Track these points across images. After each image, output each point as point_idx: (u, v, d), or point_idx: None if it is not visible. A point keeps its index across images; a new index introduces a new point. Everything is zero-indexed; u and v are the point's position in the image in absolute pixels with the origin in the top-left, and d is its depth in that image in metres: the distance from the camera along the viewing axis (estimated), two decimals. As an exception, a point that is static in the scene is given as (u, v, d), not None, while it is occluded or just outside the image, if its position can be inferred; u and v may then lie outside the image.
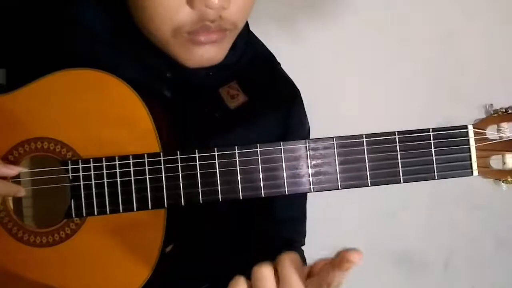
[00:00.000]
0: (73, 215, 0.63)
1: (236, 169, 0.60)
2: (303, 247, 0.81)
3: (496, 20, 1.29)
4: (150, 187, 0.61)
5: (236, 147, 0.60)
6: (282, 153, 0.60)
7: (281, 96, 0.79)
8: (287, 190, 0.60)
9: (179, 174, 0.61)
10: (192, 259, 0.72)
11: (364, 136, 0.59)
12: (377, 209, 1.30)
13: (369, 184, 0.59)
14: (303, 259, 0.72)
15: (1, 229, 0.66)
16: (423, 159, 0.59)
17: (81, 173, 0.63)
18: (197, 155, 0.61)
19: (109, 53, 0.71)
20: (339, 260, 0.47)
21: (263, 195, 0.61)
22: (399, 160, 0.59)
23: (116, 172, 0.62)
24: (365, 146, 0.59)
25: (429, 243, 1.40)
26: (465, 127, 0.59)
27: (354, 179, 0.60)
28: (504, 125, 0.59)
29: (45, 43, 0.72)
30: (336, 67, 1.28)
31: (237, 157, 0.60)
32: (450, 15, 1.28)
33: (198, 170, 0.61)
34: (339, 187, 0.60)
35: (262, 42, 0.83)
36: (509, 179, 0.59)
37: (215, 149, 0.60)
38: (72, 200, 0.63)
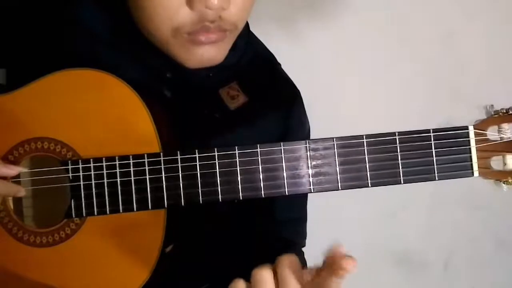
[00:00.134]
0: (73, 215, 0.63)
1: (236, 169, 0.60)
2: (303, 249, 0.81)
3: (496, 20, 1.29)
4: (150, 187, 0.61)
5: (236, 147, 0.60)
6: (282, 154, 0.60)
7: (281, 96, 0.79)
8: (287, 191, 0.60)
9: (179, 174, 0.61)
10: (192, 259, 0.72)
11: (364, 137, 0.59)
12: (377, 209, 1.30)
13: (370, 185, 0.59)
14: (303, 261, 0.72)
15: (1, 229, 0.66)
16: (423, 159, 0.59)
17: (81, 173, 0.63)
18: (197, 155, 0.61)
19: (109, 53, 0.71)
20: (334, 266, 0.47)
21: (263, 195, 0.61)
22: (400, 161, 0.59)
23: (116, 172, 0.62)
24: (365, 147, 0.59)
25: (429, 243, 1.40)
26: (466, 127, 0.59)
27: (354, 180, 0.60)
28: (505, 126, 0.59)
29: (45, 43, 0.72)
30: (336, 67, 1.28)
31: (237, 157, 0.60)
32: (450, 15, 1.28)
33: (198, 170, 0.61)
34: (339, 188, 0.60)
35: (262, 43, 0.83)
36: (509, 180, 0.59)
37: (215, 149, 0.60)
38: (72, 200, 0.63)
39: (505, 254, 1.41)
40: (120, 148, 0.63)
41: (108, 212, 0.62)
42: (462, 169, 0.59)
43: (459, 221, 1.39)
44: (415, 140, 0.59)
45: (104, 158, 0.62)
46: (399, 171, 0.59)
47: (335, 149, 0.59)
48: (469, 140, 0.59)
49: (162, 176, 0.61)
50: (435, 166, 0.59)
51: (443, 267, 1.42)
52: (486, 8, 1.28)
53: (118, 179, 0.62)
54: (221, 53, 0.67)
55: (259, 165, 0.60)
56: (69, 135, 0.64)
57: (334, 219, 1.22)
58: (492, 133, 0.59)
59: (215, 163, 0.60)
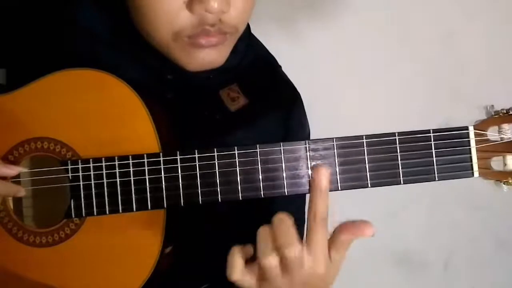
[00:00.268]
0: (73, 215, 0.63)
1: (236, 169, 0.60)
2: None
3: (496, 20, 1.29)
4: (149, 188, 0.61)
5: (235, 148, 0.60)
6: (282, 154, 0.60)
7: (282, 99, 0.79)
8: (287, 191, 0.60)
9: (178, 175, 0.61)
10: (192, 259, 0.72)
11: (364, 137, 0.59)
12: (377, 209, 1.30)
13: (369, 185, 0.59)
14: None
15: (1, 229, 0.66)
16: (423, 160, 0.59)
17: (80, 173, 0.63)
18: (196, 155, 0.61)
19: (109, 53, 0.71)
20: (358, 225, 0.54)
21: (262, 195, 0.61)
22: (399, 161, 0.59)
23: (115, 172, 0.62)
24: (365, 147, 0.59)
25: (429, 243, 1.40)
26: (466, 128, 0.59)
27: (354, 180, 0.59)
28: (505, 126, 0.59)
29: (45, 43, 0.72)
30: (336, 67, 1.28)
31: (236, 158, 0.60)
32: (450, 15, 1.28)
33: (197, 170, 0.61)
34: (339, 188, 0.60)
35: (263, 45, 0.83)
36: (509, 181, 0.59)
37: (215, 149, 0.60)
38: (72, 200, 0.63)
39: (505, 254, 1.41)
40: (120, 148, 0.63)
41: (107, 212, 0.62)
42: (462, 170, 0.59)
43: (459, 221, 1.39)
44: (415, 141, 0.59)
45: (103, 158, 0.62)
46: (399, 172, 0.59)
47: (335, 150, 0.59)
48: (469, 141, 0.59)
49: (161, 176, 0.61)
50: (435, 167, 0.59)
51: (443, 267, 1.42)
52: (486, 8, 1.29)
53: (118, 179, 0.62)
54: (222, 56, 0.67)
55: (258, 165, 0.60)
56: (69, 135, 0.64)
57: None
58: (492, 134, 0.59)
59: (215, 163, 0.60)
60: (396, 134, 0.59)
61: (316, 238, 0.55)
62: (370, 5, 1.26)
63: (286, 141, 0.68)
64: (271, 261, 0.54)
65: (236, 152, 0.60)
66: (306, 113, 0.82)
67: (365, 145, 0.59)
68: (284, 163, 0.60)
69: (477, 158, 0.59)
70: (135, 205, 0.62)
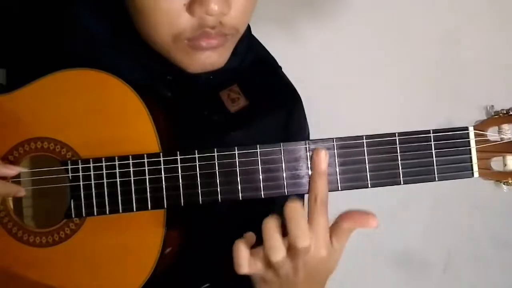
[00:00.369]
0: (73, 215, 0.63)
1: (236, 169, 0.60)
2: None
3: (497, 20, 1.29)
4: (149, 188, 0.61)
5: (236, 148, 0.60)
6: (282, 154, 0.60)
7: (282, 100, 0.79)
8: (287, 191, 0.60)
9: (178, 175, 0.61)
10: (192, 259, 0.72)
11: (364, 137, 0.59)
12: (377, 209, 1.30)
13: (369, 186, 0.59)
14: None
15: (1, 229, 0.66)
16: (423, 160, 0.59)
17: (80, 173, 0.63)
18: (196, 155, 0.61)
19: (109, 53, 0.71)
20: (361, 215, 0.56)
21: (263, 196, 0.61)
22: (399, 162, 0.59)
23: (115, 172, 0.62)
24: (365, 147, 0.59)
25: (429, 243, 1.40)
26: (466, 128, 0.59)
27: (354, 180, 0.59)
28: (505, 126, 0.58)
29: (45, 43, 0.72)
30: (336, 67, 1.28)
31: (237, 158, 0.60)
32: (450, 15, 1.28)
33: (197, 170, 0.61)
34: (339, 188, 0.60)
35: (263, 46, 0.83)
36: (509, 181, 0.59)
37: (215, 149, 0.60)
38: (72, 200, 0.63)
39: (505, 254, 1.41)
40: (120, 148, 0.63)
41: (107, 212, 0.62)
42: (462, 170, 0.59)
43: (459, 221, 1.39)
44: (415, 141, 0.59)
45: (103, 158, 0.62)
46: (399, 172, 0.59)
47: (335, 150, 0.59)
48: (469, 141, 0.59)
49: (161, 177, 0.61)
50: (435, 167, 0.59)
51: (443, 267, 1.42)
52: (486, 8, 1.29)
53: (118, 179, 0.62)
54: (223, 57, 0.66)
55: (259, 165, 0.60)
56: (69, 135, 0.64)
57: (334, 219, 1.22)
58: (492, 134, 0.59)
59: (215, 163, 0.60)
60: (396, 134, 0.59)
61: (318, 220, 0.56)
62: (370, 5, 1.26)
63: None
64: (281, 255, 0.55)
65: (236, 152, 0.60)
66: (306, 113, 0.82)
67: (365, 145, 0.59)
68: (284, 163, 0.60)
69: (477, 159, 0.59)
70: (135, 205, 0.62)
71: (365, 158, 0.59)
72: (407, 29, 1.29)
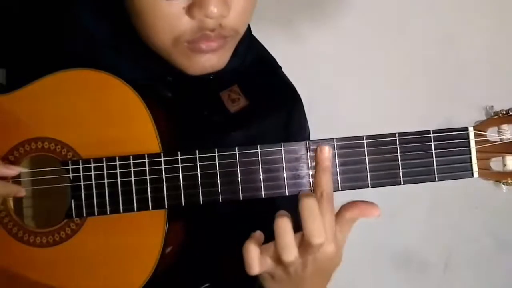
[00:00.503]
0: (74, 215, 0.63)
1: (237, 169, 0.60)
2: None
3: (496, 20, 1.29)
4: (150, 188, 0.61)
5: (236, 148, 0.60)
6: (283, 154, 0.60)
7: (282, 100, 0.79)
8: (288, 191, 0.60)
9: (179, 175, 0.61)
10: (193, 259, 0.72)
11: (364, 137, 0.59)
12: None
13: (370, 186, 0.59)
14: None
15: (1, 229, 0.66)
16: (423, 160, 0.59)
17: (81, 173, 0.63)
18: (197, 155, 0.61)
19: (109, 53, 0.71)
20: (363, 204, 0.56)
21: (263, 196, 0.61)
22: (400, 162, 0.59)
23: (116, 172, 0.62)
24: (365, 148, 0.59)
25: (429, 243, 1.40)
26: (466, 129, 0.59)
27: (354, 181, 0.60)
28: (505, 127, 0.59)
29: (45, 43, 0.72)
30: (336, 67, 1.29)
31: (237, 158, 0.60)
32: (450, 15, 1.28)
33: (198, 171, 0.61)
34: (339, 188, 0.60)
35: (263, 46, 0.82)
36: (509, 181, 0.59)
37: (216, 150, 0.60)
38: (73, 200, 0.63)
39: (505, 254, 1.41)
40: (121, 148, 0.63)
41: (108, 212, 0.62)
42: (462, 170, 0.59)
43: (459, 221, 1.39)
44: (415, 141, 0.59)
45: (104, 158, 0.62)
46: (399, 172, 0.59)
47: (335, 150, 0.59)
48: (469, 141, 0.59)
49: (162, 177, 0.61)
50: (435, 167, 0.59)
51: (443, 267, 1.42)
52: (486, 8, 1.29)
53: (119, 179, 0.62)
54: (223, 59, 0.66)
55: (259, 165, 0.60)
56: (70, 135, 0.64)
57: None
58: (492, 134, 0.59)
59: (216, 163, 0.60)
60: (397, 135, 0.59)
61: (324, 216, 0.55)
62: (370, 6, 1.26)
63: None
64: (294, 255, 0.55)
65: (237, 152, 0.60)
66: (306, 113, 0.82)
67: (365, 145, 0.59)
68: (285, 163, 0.60)
69: (477, 159, 0.59)
70: (136, 205, 0.62)
71: (365, 158, 0.59)
72: (407, 29, 1.29)
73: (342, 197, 0.64)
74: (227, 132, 0.73)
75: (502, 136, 0.59)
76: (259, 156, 0.60)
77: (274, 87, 0.80)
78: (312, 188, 0.60)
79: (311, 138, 0.83)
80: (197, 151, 0.61)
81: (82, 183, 0.63)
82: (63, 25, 0.72)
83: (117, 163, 0.62)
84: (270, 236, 0.57)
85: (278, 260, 0.57)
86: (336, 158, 0.59)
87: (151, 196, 0.61)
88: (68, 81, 0.65)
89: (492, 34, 1.29)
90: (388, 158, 0.59)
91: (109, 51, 0.71)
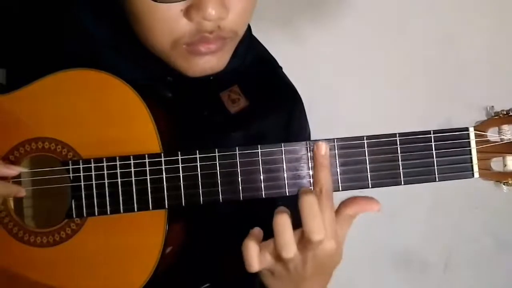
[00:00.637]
0: (74, 215, 0.63)
1: (237, 169, 0.60)
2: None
3: (496, 20, 1.29)
4: (150, 188, 0.61)
5: (237, 148, 0.60)
6: (283, 154, 0.60)
7: (282, 101, 0.79)
8: (288, 191, 0.60)
9: (179, 175, 0.61)
10: (193, 259, 0.72)
11: (365, 138, 0.59)
12: (377, 209, 1.30)
13: (370, 186, 0.59)
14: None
15: (1, 229, 0.66)
16: (424, 161, 0.59)
17: (81, 174, 0.63)
18: (198, 156, 0.61)
19: (109, 53, 0.71)
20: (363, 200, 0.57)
21: (263, 196, 0.61)
22: (400, 162, 0.59)
23: (117, 172, 0.62)
24: (366, 148, 0.59)
25: (429, 243, 1.40)
26: (466, 129, 0.59)
27: (355, 181, 0.60)
28: (505, 127, 0.58)
29: (45, 43, 0.72)
30: (336, 67, 1.29)
31: (238, 158, 0.60)
32: (450, 15, 1.28)
33: (199, 171, 0.61)
34: (340, 189, 0.60)
35: (264, 46, 0.82)
36: (509, 181, 0.59)
37: (216, 150, 0.60)
38: (73, 200, 0.63)
39: (505, 254, 1.41)
40: (121, 148, 0.63)
41: (109, 213, 0.62)
42: (462, 170, 0.59)
43: (459, 221, 1.39)
44: (415, 141, 0.59)
45: (104, 159, 0.62)
46: (400, 172, 0.59)
47: (336, 150, 0.59)
48: (469, 142, 0.59)
49: (163, 177, 0.61)
50: (436, 167, 0.59)
51: (443, 267, 1.42)
52: (486, 8, 1.29)
53: (119, 180, 0.62)
54: (222, 61, 0.66)
55: (259, 165, 0.60)
56: (70, 135, 0.64)
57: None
58: (492, 134, 0.59)
59: (216, 163, 0.60)
60: (397, 135, 0.59)
61: (324, 212, 0.56)
62: (370, 6, 1.26)
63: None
64: (293, 251, 0.55)
65: (237, 152, 0.60)
66: (306, 113, 0.82)
67: (366, 145, 0.59)
68: (285, 163, 0.60)
69: (477, 159, 0.59)
70: (136, 205, 0.62)
71: (365, 159, 0.59)
72: (407, 29, 1.29)
73: (343, 197, 0.64)
74: (227, 133, 0.73)
75: (502, 137, 0.59)
76: (260, 156, 0.60)
77: (274, 87, 0.80)
78: (312, 188, 0.60)
79: (312, 138, 0.83)
80: (197, 151, 0.61)
81: (82, 183, 0.63)
82: (63, 25, 0.72)
83: (118, 163, 0.62)
84: (270, 236, 0.57)
85: (277, 256, 0.57)
86: (337, 158, 0.59)
87: (151, 196, 0.61)
88: (68, 81, 0.65)
89: (492, 34, 1.29)
90: (388, 158, 0.59)
91: (109, 51, 0.71)
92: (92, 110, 0.64)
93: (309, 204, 0.55)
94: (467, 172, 0.59)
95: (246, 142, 0.72)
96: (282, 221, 0.55)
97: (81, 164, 0.63)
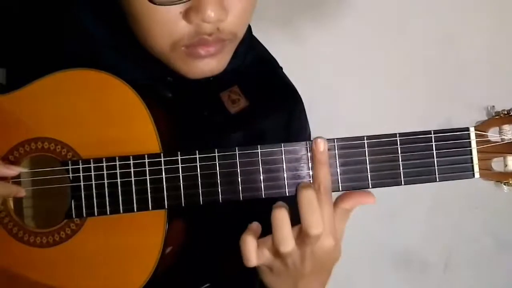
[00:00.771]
0: (74, 216, 0.63)
1: (237, 170, 0.60)
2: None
3: (497, 20, 1.29)
4: (150, 188, 0.61)
5: (236, 148, 0.60)
6: (283, 154, 0.60)
7: (282, 101, 0.79)
8: (288, 191, 0.60)
9: (179, 175, 0.61)
10: (193, 259, 0.72)
11: (365, 138, 0.59)
12: (377, 209, 1.30)
13: (370, 186, 0.59)
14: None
15: (1, 230, 0.66)
16: (424, 161, 0.59)
17: (81, 174, 0.63)
18: (197, 156, 0.61)
19: (109, 53, 0.71)
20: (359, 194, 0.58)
21: (263, 196, 0.60)
22: (400, 162, 0.59)
23: (116, 172, 0.62)
24: (366, 148, 0.59)
25: (429, 243, 1.40)
26: (467, 129, 0.59)
27: (355, 181, 0.59)
28: (506, 127, 0.58)
29: (45, 43, 0.72)
30: (336, 67, 1.29)
31: (237, 158, 0.60)
32: (450, 15, 1.28)
33: (198, 171, 0.61)
34: (340, 189, 0.60)
35: (264, 46, 0.82)
36: (510, 181, 0.59)
37: (216, 150, 0.60)
38: (73, 201, 0.63)
39: (505, 254, 1.42)
40: (121, 148, 0.63)
41: (108, 213, 0.62)
42: (463, 171, 0.59)
43: (459, 221, 1.39)
44: (416, 141, 0.59)
45: (104, 159, 0.62)
46: (400, 172, 0.59)
47: (336, 150, 0.59)
48: (470, 142, 0.59)
49: (162, 177, 0.61)
50: (436, 167, 0.59)
51: (443, 267, 1.42)
52: (487, 8, 1.29)
53: (119, 180, 0.62)
54: (222, 63, 0.66)
55: (259, 166, 0.60)
56: (70, 135, 0.64)
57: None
58: (493, 134, 0.59)
59: (216, 163, 0.60)
60: (397, 135, 0.59)
61: (323, 208, 0.56)
62: (370, 6, 1.26)
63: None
64: (291, 246, 0.56)
65: (237, 152, 0.60)
66: (307, 113, 0.82)
67: (366, 146, 0.59)
68: (285, 163, 0.60)
69: (478, 159, 0.59)
70: (136, 206, 0.61)
71: (366, 159, 0.59)
72: (407, 29, 1.29)
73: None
74: (227, 133, 0.72)
75: (503, 137, 0.59)
76: (259, 156, 0.60)
77: (274, 87, 0.80)
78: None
79: (312, 138, 0.83)
80: (197, 151, 0.60)
81: (82, 183, 0.62)
82: (63, 25, 0.72)
83: (117, 163, 0.62)
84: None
85: (276, 252, 0.57)
86: (337, 158, 0.59)
87: (151, 196, 0.61)
88: (68, 81, 0.65)
89: (492, 34, 1.29)
90: (389, 158, 0.59)
91: (109, 51, 0.71)
92: (92, 110, 0.64)
93: (307, 199, 0.55)
94: (467, 172, 0.59)
95: (246, 142, 0.72)
96: (280, 215, 0.56)
97: (80, 164, 0.63)
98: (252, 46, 0.78)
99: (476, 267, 1.42)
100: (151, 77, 0.71)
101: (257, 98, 0.75)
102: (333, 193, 0.60)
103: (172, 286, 0.71)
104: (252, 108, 0.74)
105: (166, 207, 0.61)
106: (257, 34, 0.82)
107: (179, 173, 0.61)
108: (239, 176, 0.60)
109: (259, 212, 0.73)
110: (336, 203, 0.58)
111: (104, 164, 0.62)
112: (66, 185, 0.63)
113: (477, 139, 0.59)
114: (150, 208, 0.61)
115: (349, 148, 0.59)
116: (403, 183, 0.59)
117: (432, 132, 0.59)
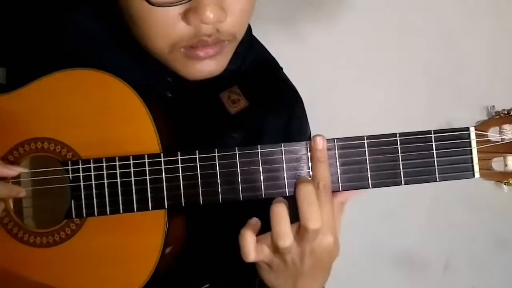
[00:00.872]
0: (73, 216, 0.63)
1: (237, 170, 0.60)
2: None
3: (497, 20, 1.29)
4: (150, 188, 0.61)
5: (236, 148, 0.60)
6: (283, 154, 0.60)
7: (283, 101, 0.79)
8: (288, 191, 0.60)
9: (179, 175, 0.61)
10: (193, 259, 0.72)
11: (365, 138, 0.59)
12: (377, 209, 1.30)
13: (370, 186, 0.59)
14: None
15: (1, 230, 0.66)
16: (424, 161, 0.59)
17: (81, 174, 0.63)
18: (197, 156, 0.61)
19: (109, 54, 0.71)
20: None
21: (263, 196, 0.60)
22: (400, 162, 0.59)
23: (116, 172, 0.62)
24: (366, 148, 0.59)
25: (429, 243, 1.40)
26: (467, 129, 0.59)
27: (355, 181, 0.59)
28: (506, 127, 0.58)
29: (45, 43, 0.72)
30: (336, 68, 1.29)
31: (237, 158, 0.60)
32: (451, 15, 1.28)
33: (198, 171, 0.60)
34: (340, 189, 0.60)
35: (264, 47, 0.82)
36: (510, 181, 0.59)
37: (216, 150, 0.60)
38: (72, 201, 0.63)
39: (505, 254, 1.42)
40: (120, 148, 0.63)
41: (108, 213, 0.62)
42: (463, 170, 0.59)
43: (459, 221, 1.39)
44: (416, 141, 0.59)
45: (104, 159, 0.62)
46: (400, 172, 0.59)
47: (336, 150, 0.59)
48: (470, 141, 0.59)
49: (162, 177, 0.61)
50: (436, 167, 0.59)
51: (443, 267, 1.42)
52: (487, 8, 1.29)
53: (119, 180, 0.62)
54: (221, 64, 0.66)
55: (259, 165, 0.60)
56: (69, 136, 0.64)
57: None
58: (493, 134, 0.59)
59: (216, 163, 0.60)
60: (397, 135, 0.59)
61: (322, 206, 0.56)
62: (370, 6, 1.26)
63: (286, 143, 0.68)
64: (289, 241, 0.56)
65: (237, 152, 0.60)
66: (307, 113, 0.82)
67: (366, 145, 0.59)
68: (285, 163, 0.60)
69: (478, 159, 0.59)
70: (136, 206, 0.61)
71: (366, 159, 0.59)
72: (407, 29, 1.29)
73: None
74: (227, 133, 0.72)
75: (503, 136, 0.58)
76: (259, 156, 0.60)
77: (274, 88, 0.80)
78: None
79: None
80: (197, 151, 0.60)
81: (81, 184, 0.62)
82: (63, 25, 0.72)
83: (117, 163, 0.62)
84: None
85: (275, 248, 0.57)
86: (337, 158, 0.59)
87: (151, 196, 0.61)
88: (68, 81, 0.65)
89: (492, 34, 1.29)
90: (389, 158, 0.59)
91: (109, 52, 0.71)
92: (92, 110, 0.64)
93: (306, 193, 0.56)
94: (467, 172, 0.59)
95: (246, 142, 0.72)
96: (279, 210, 0.56)
97: (80, 164, 0.63)
98: (252, 47, 0.78)
99: (476, 267, 1.42)
100: (151, 77, 0.71)
101: (257, 98, 0.75)
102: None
103: (172, 286, 0.71)
104: (252, 109, 0.74)
105: (166, 207, 0.61)
106: (257, 34, 0.82)
107: (179, 173, 0.61)
108: (239, 176, 0.60)
109: (259, 212, 0.73)
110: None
111: (104, 164, 0.62)
112: (66, 185, 0.63)
113: (477, 139, 0.59)
114: (150, 208, 0.61)
115: (349, 148, 0.59)
116: (403, 183, 0.59)
117: (432, 132, 0.59)
